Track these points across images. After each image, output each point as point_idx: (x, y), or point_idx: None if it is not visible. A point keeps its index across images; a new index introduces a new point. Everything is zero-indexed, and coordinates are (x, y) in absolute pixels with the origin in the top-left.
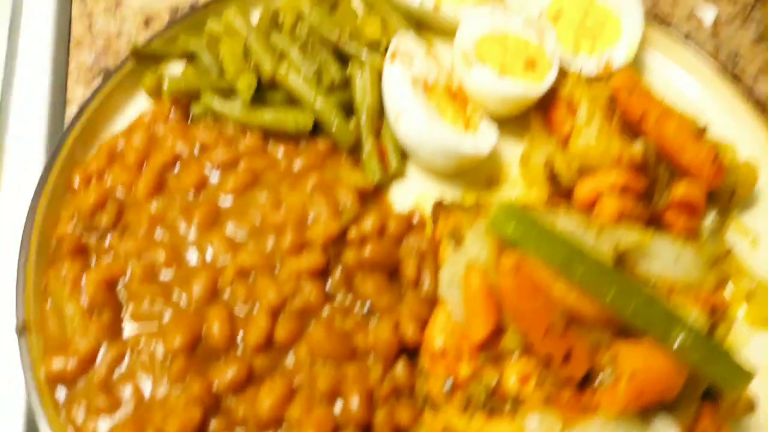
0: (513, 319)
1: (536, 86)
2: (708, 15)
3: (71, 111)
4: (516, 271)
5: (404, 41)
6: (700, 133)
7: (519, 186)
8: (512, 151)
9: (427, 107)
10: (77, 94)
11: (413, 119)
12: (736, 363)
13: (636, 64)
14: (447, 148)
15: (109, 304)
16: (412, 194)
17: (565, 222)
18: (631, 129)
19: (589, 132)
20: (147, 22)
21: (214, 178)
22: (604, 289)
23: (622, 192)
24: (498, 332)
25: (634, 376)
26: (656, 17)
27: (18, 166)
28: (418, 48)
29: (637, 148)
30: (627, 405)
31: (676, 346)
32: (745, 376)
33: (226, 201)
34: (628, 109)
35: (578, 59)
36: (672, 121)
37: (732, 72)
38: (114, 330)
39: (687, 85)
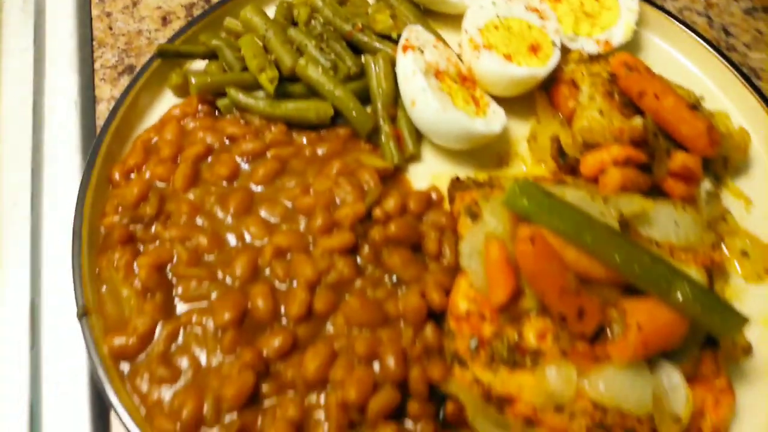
0: (529, 283)
1: (541, 68)
2: None
3: (101, 108)
4: (532, 239)
5: (415, 32)
6: (696, 106)
7: (528, 162)
8: (520, 130)
9: (440, 93)
10: (105, 92)
11: (428, 105)
12: (732, 310)
13: (634, 43)
14: (460, 129)
15: (161, 286)
16: (429, 175)
17: (573, 193)
18: (631, 105)
19: (591, 110)
20: (165, 20)
21: (244, 167)
22: (611, 252)
23: (625, 164)
24: (516, 296)
25: (641, 328)
26: None
27: (55, 163)
28: (428, 37)
29: (637, 122)
30: (635, 354)
31: (678, 299)
32: (740, 321)
33: (257, 188)
34: (627, 87)
35: (579, 41)
36: (669, 96)
37: (726, 43)
38: (167, 309)
39: (682, 61)
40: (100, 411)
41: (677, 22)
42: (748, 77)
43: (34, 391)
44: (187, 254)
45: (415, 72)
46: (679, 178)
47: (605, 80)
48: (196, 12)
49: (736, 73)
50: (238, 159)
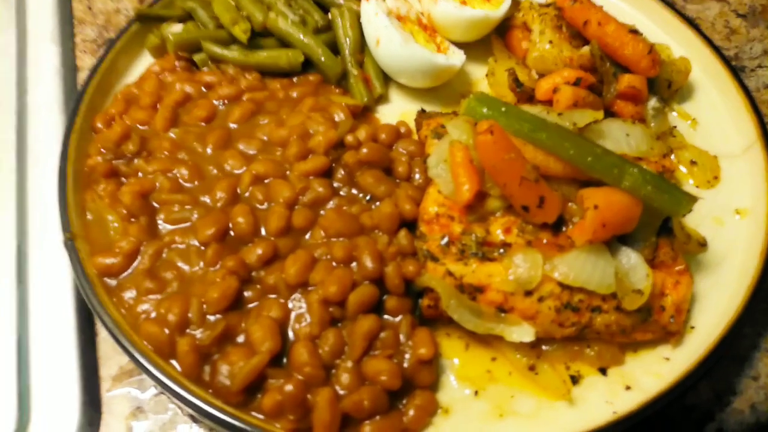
0: (491, 175)
1: (495, 10)
2: None
3: (82, 75)
4: (490, 130)
5: None
6: (635, 30)
7: None
8: (479, 72)
9: (402, 31)
10: (86, 62)
11: (391, 41)
12: (680, 190)
13: None
14: (423, 63)
15: (145, 210)
16: (396, 113)
17: (530, 110)
18: (579, 37)
19: (542, 42)
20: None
21: (221, 109)
22: (565, 147)
23: (576, 84)
24: (482, 198)
25: (598, 210)
26: None
27: (40, 125)
28: None
29: (585, 50)
30: (594, 235)
31: (630, 182)
32: (689, 199)
33: (234, 127)
34: (572, 17)
35: None
36: (611, 23)
37: None
38: (152, 231)
39: (624, 7)
40: (87, 331)
41: None
42: (688, 18)
43: (21, 319)
44: (169, 182)
45: (378, 13)
46: (627, 99)
47: (553, 16)
48: None
49: (672, 10)
50: (216, 102)
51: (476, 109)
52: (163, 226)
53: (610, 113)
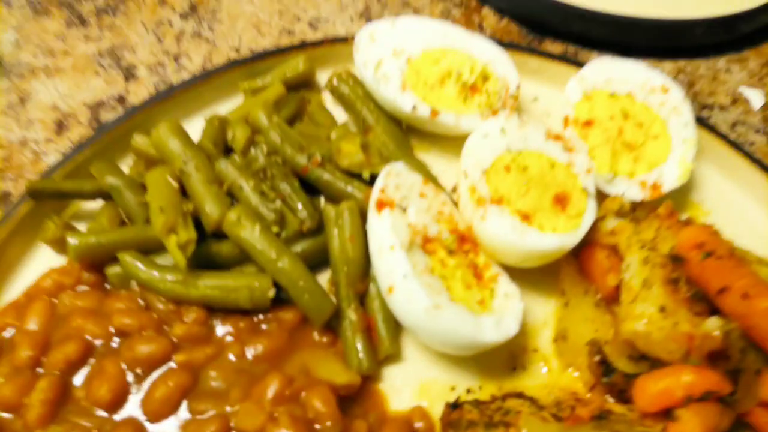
0: None
1: (571, 234)
2: (757, 98)
3: None
4: None
5: (395, 175)
6: None
7: (552, 366)
8: (540, 310)
9: (430, 279)
10: None
11: (412, 298)
12: None
13: (689, 184)
14: (460, 335)
15: None
16: (412, 382)
17: None
18: (702, 299)
19: (646, 303)
20: (60, 125)
21: (138, 384)
22: None
23: (702, 401)
24: None
25: None
26: (694, 102)
27: None
28: (413, 179)
29: (715, 328)
30: None
31: None
32: None
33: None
34: (702, 277)
35: (617, 183)
36: (763, 296)
37: None
38: None
39: (747, 205)
40: None
41: (742, 152)
42: None
43: None
44: None
45: (394, 247)
46: None
47: (665, 258)
48: (104, 115)
49: None
50: (128, 369)
51: None
52: None
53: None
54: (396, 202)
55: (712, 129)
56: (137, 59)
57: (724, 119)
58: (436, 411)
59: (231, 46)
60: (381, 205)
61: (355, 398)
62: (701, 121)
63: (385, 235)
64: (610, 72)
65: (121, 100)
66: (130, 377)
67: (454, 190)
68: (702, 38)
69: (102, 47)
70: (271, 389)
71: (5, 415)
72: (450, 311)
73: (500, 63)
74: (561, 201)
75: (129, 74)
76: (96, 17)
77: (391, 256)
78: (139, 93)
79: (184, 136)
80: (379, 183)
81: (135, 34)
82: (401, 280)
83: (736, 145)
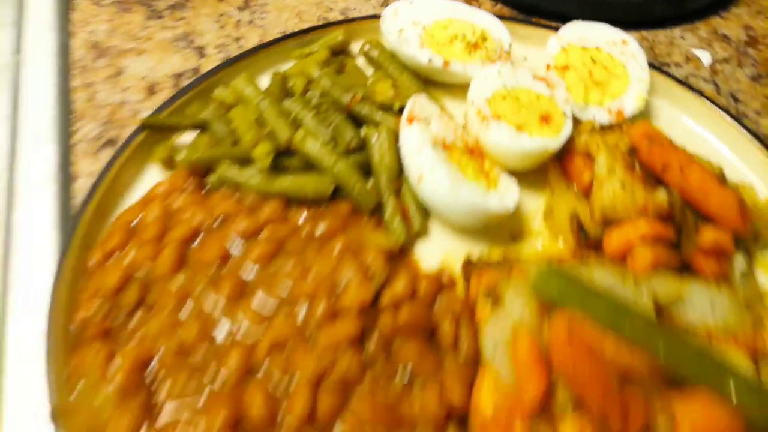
0: (568, 381)
1: (554, 139)
2: (705, 57)
3: (79, 184)
4: (569, 338)
5: (419, 103)
6: (722, 178)
7: (543, 238)
8: (533, 203)
9: (450, 167)
10: (83, 168)
11: (437, 181)
12: None
13: (645, 112)
14: (473, 207)
15: (142, 386)
16: (438, 252)
17: (601, 275)
18: (652, 177)
19: (611, 183)
20: (150, 90)
21: (236, 249)
22: (653, 343)
23: (654, 241)
24: (549, 392)
25: (694, 428)
26: (656, 61)
27: (29, 248)
28: (433, 108)
29: (662, 196)
30: None
31: (732, 395)
32: None
33: (251, 272)
34: (650, 160)
35: (589, 110)
36: (695, 170)
37: (735, 110)
38: (149, 412)
39: (697, 130)
40: None
41: (689, 89)
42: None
43: None
44: (171, 350)
45: (423, 145)
46: (709, 255)
47: (624, 152)
48: (184, 82)
49: (756, 141)
50: (230, 240)
51: (545, 288)
52: (164, 404)
53: (687, 267)
54: (422, 118)
55: (664, 72)
56: (205, 42)
57: (680, 73)
58: (456, 272)
59: (279, 31)
60: (410, 119)
61: (396, 263)
62: (654, 67)
63: (415, 138)
64: (582, 32)
65: (195, 71)
66: (230, 243)
67: (464, 127)
68: (660, 13)
69: (176, 33)
70: (336, 248)
71: (142, 269)
72: (466, 188)
73: (496, 29)
74: (545, 119)
75: (200, 53)
76: (170, 11)
77: (420, 153)
78: (210, 66)
79: (257, 84)
80: (408, 106)
81: (201, 24)
82: (429, 169)
83: (681, 81)
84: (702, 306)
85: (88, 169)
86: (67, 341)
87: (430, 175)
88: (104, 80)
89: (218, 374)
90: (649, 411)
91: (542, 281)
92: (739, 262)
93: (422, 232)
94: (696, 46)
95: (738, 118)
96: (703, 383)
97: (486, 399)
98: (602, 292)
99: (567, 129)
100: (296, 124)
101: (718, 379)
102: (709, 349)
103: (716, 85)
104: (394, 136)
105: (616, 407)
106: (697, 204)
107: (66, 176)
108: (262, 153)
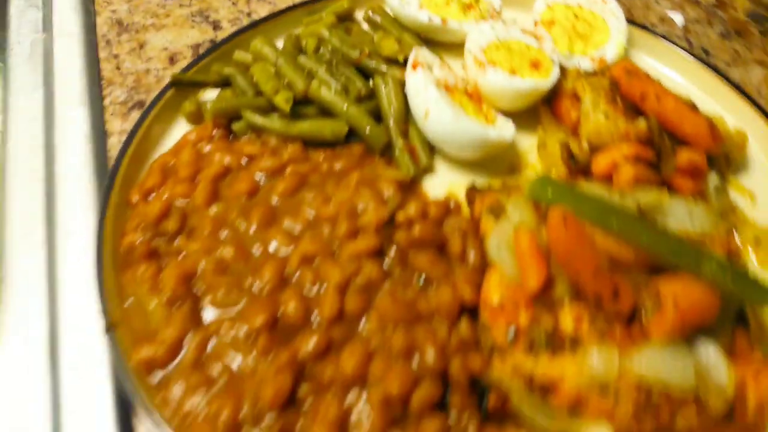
0: (563, 265)
1: (544, 80)
2: (678, 18)
3: (113, 140)
4: (564, 222)
5: (422, 52)
6: (694, 106)
7: (538, 170)
8: (527, 141)
9: (452, 104)
10: (115, 125)
11: (441, 115)
12: (760, 282)
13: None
14: (474, 138)
15: (188, 296)
16: (444, 185)
17: (590, 189)
18: (633, 110)
19: (596, 114)
20: (172, 60)
21: (263, 184)
22: (638, 235)
23: (636, 160)
24: (549, 283)
25: (677, 303)
26: (634, 23)
27: (69, 195)
28: (434, 59)
29: (642, 123)
30: (674, 330)
31: (708, 273)
32: None
33: (278, 202)
34: (629, 91)
35: (574, 59)
36: (670, 98)
37: (707, 61)
38: (196, 318)
39: (673, 76)
40: (126, 428)
41: (663, 39)
42: (737, 85)
43: (55, 414)
44: (213, 264)
45: (427, 84)
46: (686, 174)
47: (607, 88)
48: (202, 52)
49: (725, 81)
50: (257, 176)
51: (540, 192)
52: (208, 313)
53: (667, 187)
54: (425, 64)
55: (640, 25)
56: (220, 16)
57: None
58: (461, 200)
59: (287, 4)
60: (415, 65)
61: (407, 192)
62: (632, 22)
63: (420, 80)
64: None
65: (212, 42)
66: (257, 179)
67: (463, 77)
68: None
69: (192, 10)
70: (354, 179)
71: (180, 202)
72: (468, 120)
73: None
74: (535, 65)
75: (216, 26)
76: None
77: (425, 91)
78: None
79: (273, 44)
80: (412, 55)
81: (216, 1)
82: (434, 104)
83: (656, 33)
84: (681, 215)
85: (119, 127)
86: (116, 263)
87: (435, 108)
88: (129, 52)
89: (255, 284)
90: (637, 292)
91: (537, 187)
92: (713, 179)
93: (429, 168)
94: (669, 8)
95: (709, 63)
96: (683, 267)
97: (493, 292)
98: (591, 195)
99: (555, 72)
100: (311, 77)
101: (695, 262)
102: (685, 239)
103: (689, 42)
104: (401, 85)
105: (608, 288)
106: (673, 128)
107: (100, 134)
108: (283, 99)
